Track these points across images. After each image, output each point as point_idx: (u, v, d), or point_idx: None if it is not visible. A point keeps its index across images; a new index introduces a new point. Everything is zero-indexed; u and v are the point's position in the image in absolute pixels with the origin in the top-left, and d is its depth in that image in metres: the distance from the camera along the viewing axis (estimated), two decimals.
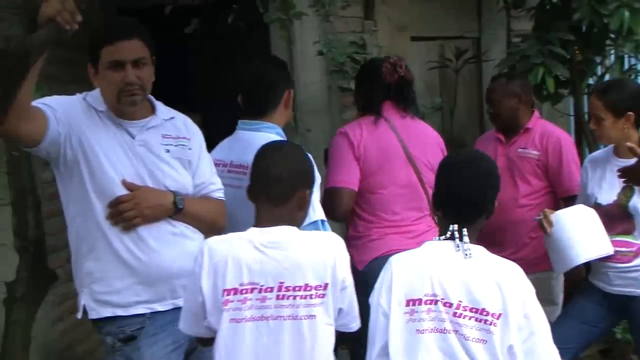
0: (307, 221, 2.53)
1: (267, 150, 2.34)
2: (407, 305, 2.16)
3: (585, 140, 4.94)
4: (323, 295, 2.15)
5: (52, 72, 3.68)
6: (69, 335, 4.36)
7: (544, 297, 3.54)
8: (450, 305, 2.14)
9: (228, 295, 2.14)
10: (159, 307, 2.55)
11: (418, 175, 3.35)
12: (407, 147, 3.35)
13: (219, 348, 2.17)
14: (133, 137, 2.58)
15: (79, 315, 2.60)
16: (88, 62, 2.55)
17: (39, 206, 3.40)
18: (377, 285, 2.24)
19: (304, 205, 2.29)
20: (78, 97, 2.61)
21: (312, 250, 2.18)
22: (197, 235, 2.66)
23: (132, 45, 2.50)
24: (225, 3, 4.22)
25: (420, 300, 2.15)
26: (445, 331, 2.13)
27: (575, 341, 3.35)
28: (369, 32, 5.24)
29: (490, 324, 2.11)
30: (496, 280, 2.14)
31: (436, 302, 2.15)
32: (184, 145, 2.67)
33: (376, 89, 3.43)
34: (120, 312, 2.53)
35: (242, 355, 2.15)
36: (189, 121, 2.77)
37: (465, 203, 2.21)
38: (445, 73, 6.05)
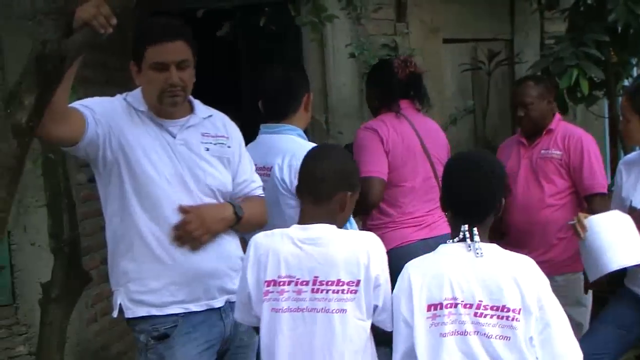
0: None
1: (316, 152, 2.46)
2: (429, 310, 2.20)
3: (620, 142, 4.87)
4: (355, 292, 2.21)
5: (87, 75, 3.72)
6: (103, 335, 4.41)
7: (574, 299, 3.53)
8: (471, 306, 2.17)
9: (268, 286, 2.26)
10: (193, 307, 2.57)
11: (433, 168, 3.55)
12: (424, 143, 3.57)
13: (262, 335, 2.29)
14: (174, 137, 2.59)
15: (115, 314, 2.62)
16: (131, 59, 2.56)
17: (73, 208, 3.42)
18: (395, 292, 2.27)
19: (345, 207, 2.35)
20: (119, 97, 2.63)
21: (346, 248, 2.25)
22: (233, 236, 2.68)
23: (177, 47, 2.51)
24: (257, 7, 4.25)
25: (440, 304, 2.19)
26: (465, 333, 2.16)
27: (611, 347, 3.30)
28: (401, 34, 5.22)
29: (513, 320, 2.14)
30: (513, 276, 2.17)
31: (456, 305, 2.18)
32: (222, 143, 2.69)
33: (386, 86, 3.63)
34: (155, 311, 2.54)
35: (281, 343, 2.25)
36: (227, 120, 2.78)
37: (474, 203, 2.25)
38: (477, 75, 5.99)
